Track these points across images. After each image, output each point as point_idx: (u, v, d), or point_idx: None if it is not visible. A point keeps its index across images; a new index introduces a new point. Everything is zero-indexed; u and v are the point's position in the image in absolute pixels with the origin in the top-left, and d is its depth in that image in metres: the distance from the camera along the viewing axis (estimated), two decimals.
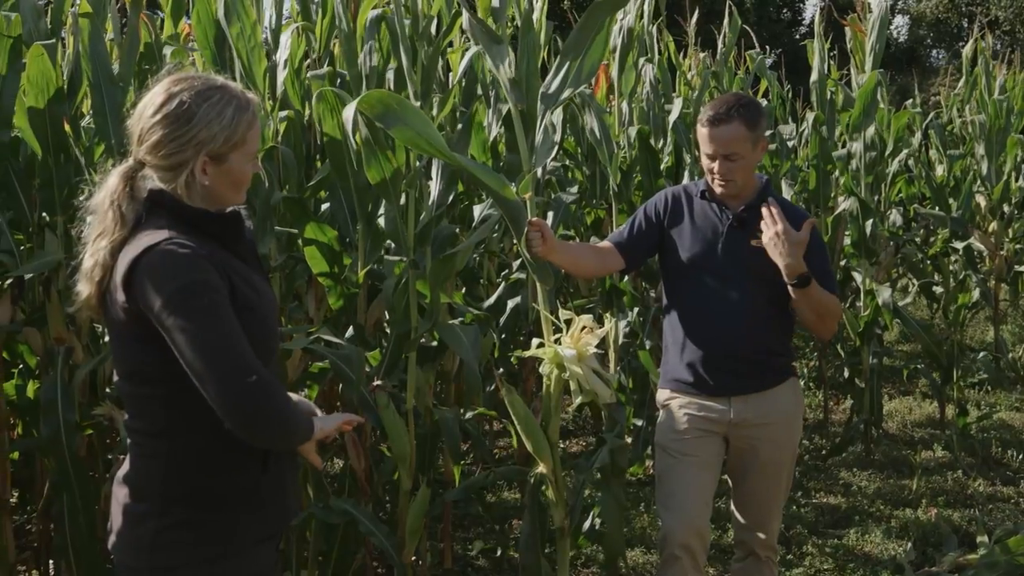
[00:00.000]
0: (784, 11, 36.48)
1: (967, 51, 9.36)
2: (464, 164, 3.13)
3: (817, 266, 3.70)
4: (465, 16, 3.56)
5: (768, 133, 7.75)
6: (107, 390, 4.43)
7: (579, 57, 3.32)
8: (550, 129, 3.44)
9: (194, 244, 2.21)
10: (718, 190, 3.76)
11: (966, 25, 35.45)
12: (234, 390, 2.12)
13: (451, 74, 5.51)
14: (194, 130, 2.25)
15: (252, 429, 2.17)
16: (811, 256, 3.69)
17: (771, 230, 3.54)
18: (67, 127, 4.16)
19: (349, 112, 3.18)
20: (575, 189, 6.29)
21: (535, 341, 3.55)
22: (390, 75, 4.53)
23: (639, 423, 5.96)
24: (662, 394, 3.92)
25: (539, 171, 3.56)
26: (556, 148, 5.22)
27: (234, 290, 2.23)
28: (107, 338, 4.43)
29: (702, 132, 3.70)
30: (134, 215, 2.29)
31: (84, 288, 2.31)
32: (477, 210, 4.92)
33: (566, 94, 3.36)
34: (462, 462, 4.71)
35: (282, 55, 4.48)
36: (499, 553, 5.26)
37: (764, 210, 3.57)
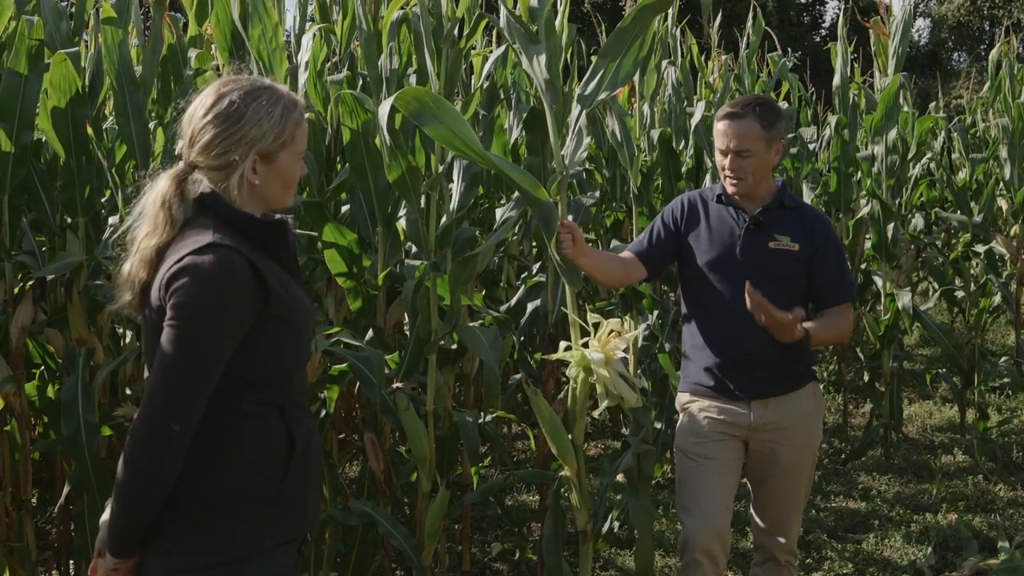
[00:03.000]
0: (804, 15, 36.37)
1: (993, 55, 9.30)
2: (497, 164, 3.12)
3: (832, 269, 3.75)
4: (503, 15, 3.55)
5: (790, 136, 7.74)
6: (127, 391, 4.45)
7: (618, 59, 3.30)
8: (584, 131, 3.44)
9: (238, 246, 2.22)
10: (729, 188, 3.75)
11: (988, 28, 35.23)
12: (157, 420, 2.15)
13: (472, 77, 5.51)
14: (245, 128, 2.27)
15: (129, 455, 2.17)
16: (825, 259, 3.74)
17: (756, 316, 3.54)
18: (89, 130, 4.18)
19: (385, 108, 3.17)
20: (596, 192, 6.28)
21: (562, 344, 3.54)
22: (413, 79, 4.53)
23: (659, 426, 5.93)
24: (681, 397, 3.92)
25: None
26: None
27: (269, 296, 2.24)
28: (127, 339, 4.49)
29: (717, 127, 3.72)
30: (183, 217, 2.31)
31: (127, 286, 2.32)
32: (499, 213, 4.92)
33: (603, 95, 3.34)
34: (480, 465, 4.71)
35: (303, 57, 4.49)
36: (517, 556, 5.25)
37: (748, 297, 3.52)
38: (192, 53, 4.93)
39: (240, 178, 2.29)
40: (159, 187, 2.33)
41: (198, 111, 2.31)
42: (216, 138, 2.28)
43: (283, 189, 2.39)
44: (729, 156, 3.69)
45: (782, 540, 3.84)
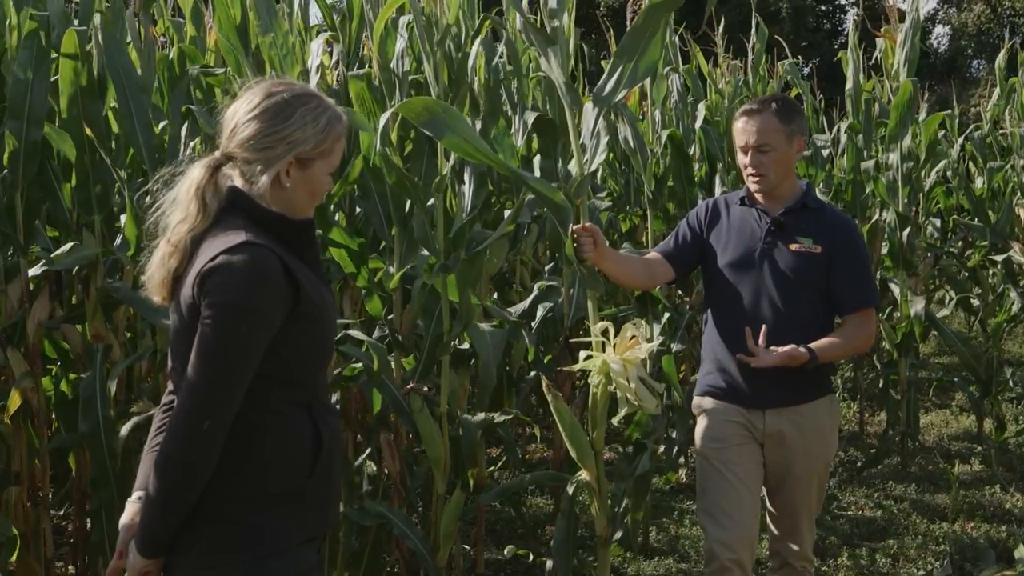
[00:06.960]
0: (824, 22, 36.25)
1: (999, 60, 9.25)
2: (512, 169, 3.13)
3: (852, 273, 3.69)
4: (518, 17, 3.55)
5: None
6: (145, 383, 4.48)
7: (633, 59, 3.30)
8: (603, 132, 3.44)
9: (270, 245, 2.23)
10: (752, 186, 3.74)
11: (1008, 36, 35.01)
12: (196, 418, 2.17)
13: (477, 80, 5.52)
14: (290, 128, 2.29)
15: (167, 451, 2.19)
16: (845, 262, 3.68)
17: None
18: (88, 131, 4.17)
19: (383, 120, 3.18)
20: (604, 195, 6.27)
21: (582, 354, 3.53)
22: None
23: (674, 435, 5.90)
24: (698, 400, 3.87)
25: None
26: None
27: (300, 295, 2.25)
28: (143, 336, 4.52)
29: (736, 126, 3.71)
30: (216, 207, 2.32)
31: (158, 272, 2.34)
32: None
33: (620, 95, 3.34)
34: (492, 467, 4.70)
35: (314, 62, 4.51)
36: (531, 559, 5.25)
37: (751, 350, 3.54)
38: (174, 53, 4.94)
39: (274, 177, 2.30)
40: (193, 175, 2.34)
41: (244, 106, 2.33)
42: (259, 132, 2.28)
43: (309, 198, 2.40)
44: (750, 152, 3.68)
45: (796, 547, 3.79)
